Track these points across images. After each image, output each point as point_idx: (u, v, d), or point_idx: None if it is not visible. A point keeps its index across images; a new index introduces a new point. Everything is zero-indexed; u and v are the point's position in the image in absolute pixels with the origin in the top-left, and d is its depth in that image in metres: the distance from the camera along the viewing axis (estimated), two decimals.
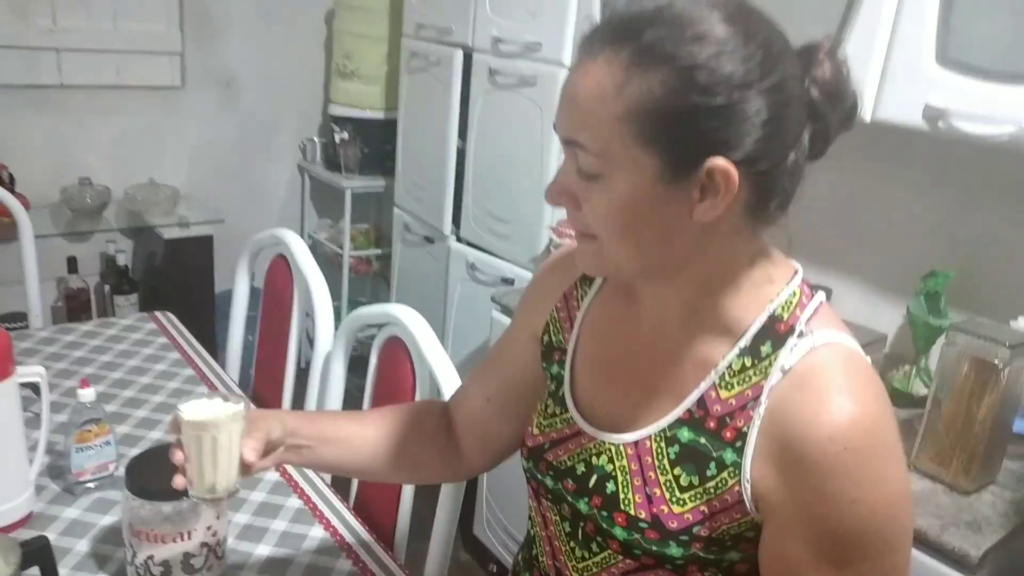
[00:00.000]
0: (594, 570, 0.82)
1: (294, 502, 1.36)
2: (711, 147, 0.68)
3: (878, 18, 1.45)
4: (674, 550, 0.75)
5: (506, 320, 2.19)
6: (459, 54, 2.55)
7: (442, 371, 1.26)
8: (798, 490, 0.70)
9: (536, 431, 0.90)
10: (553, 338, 0.94)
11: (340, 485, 1.45)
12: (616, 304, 0.89)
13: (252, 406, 1.00)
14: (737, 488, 0.73)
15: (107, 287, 3.08)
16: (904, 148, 1.69)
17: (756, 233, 0.76)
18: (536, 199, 2.33)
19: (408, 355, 1.37)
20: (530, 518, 0.95)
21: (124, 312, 2.98)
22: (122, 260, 3.03)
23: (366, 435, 1.04)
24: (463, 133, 2.61)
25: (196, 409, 0.90)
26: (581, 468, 0.84)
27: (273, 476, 1.42)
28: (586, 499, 0.82)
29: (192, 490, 0.92)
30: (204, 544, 1.10)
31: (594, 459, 0.83)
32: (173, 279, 3.05)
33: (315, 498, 1.37)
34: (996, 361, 1.34)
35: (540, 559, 0.90)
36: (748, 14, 0.71)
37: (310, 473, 1.44)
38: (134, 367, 1.76)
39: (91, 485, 1.33)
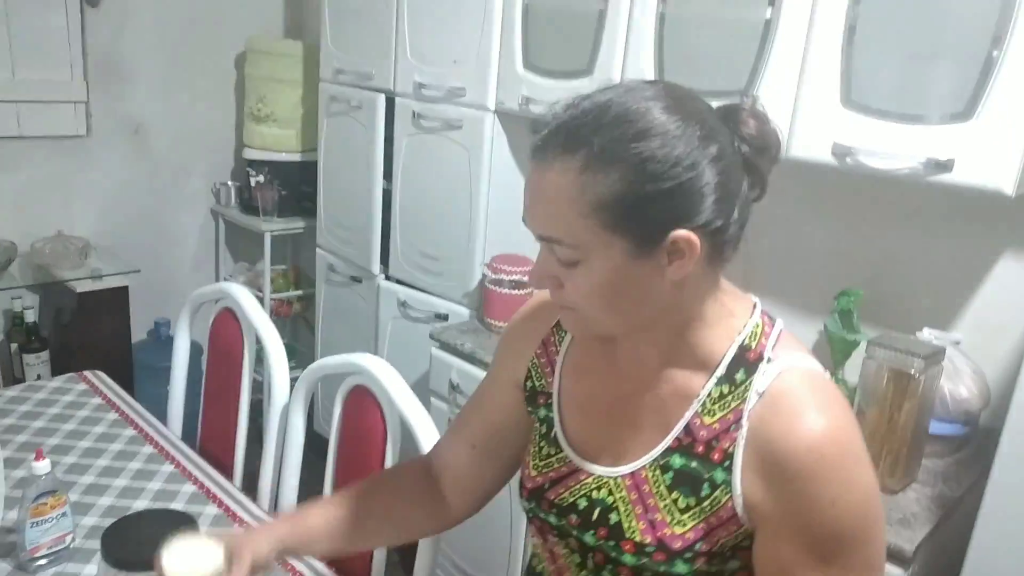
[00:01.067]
0: None
1: None
2: (672, 222, 0.76)
3: (786, 65, 1.59)
4: (680, 567, 0.82)
5: (446, 356, 2.23)
6: (381, 98, 2.58)
7: (416, 419, 1.29)
8: (783, 498, 0.78)
9: (534, 472, 0.95)
10: (536, 383, 0.99)
11: None
12: (595, 346, 0.95)
13: (237, 527, 1.01)
14: (730, 504, 0.81)
15: (14, 345, 2.93)
16: (812, 180, 1.84)
17: (717, 275, 0.84)
18: (467, 237, 2.39)
19: (376, 403, 1.39)
20: (535, 555, 1.00)
21: (34, 371, 2.85)
22: (30, 316, 2.89)
23: (356, 518, 1.06)
24: (388, 174, 2.65)
25: (179, 560, 0.94)
26: (583, 503, 0.89)
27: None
28: (592, 532, 0.88)
29: None
30: None
31: (594, 493, 0.89)
32: (86, 334, 2.94)
33: None
34: (912, 371, 1.47)
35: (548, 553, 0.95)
36: (682, 98, 0.78)
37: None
38: (72, 431, 1.70)
39: (45, 561, 1.29)
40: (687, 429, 0.84)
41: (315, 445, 1.68)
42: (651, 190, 0.74)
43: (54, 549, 1.29)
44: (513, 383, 1.02)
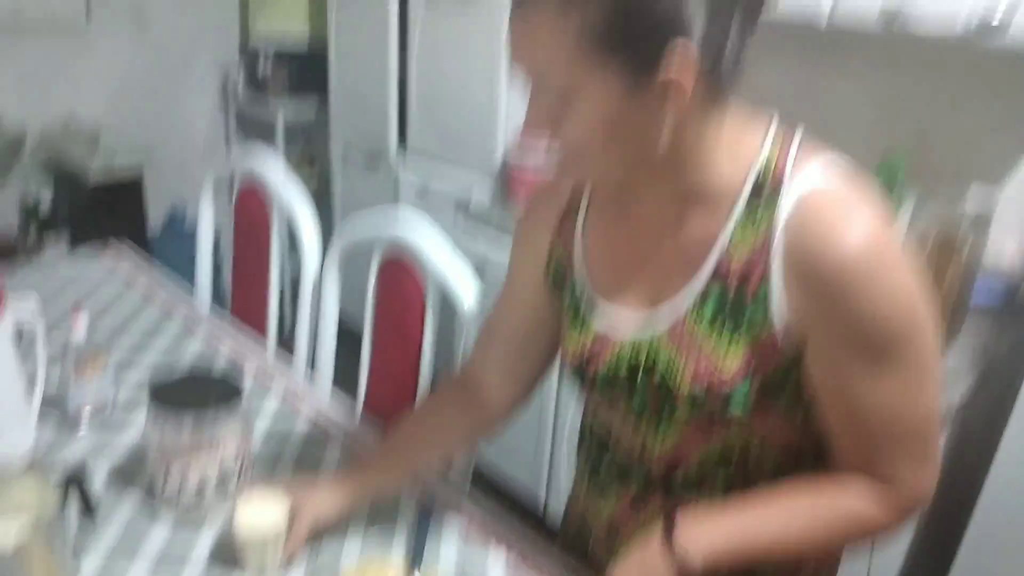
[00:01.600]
0: (669, 443, 0.88)
1: (302, 423, 1.36)
2: (663, 37, 0.70)
3: None
4: (735, 407, 0.81)
5: (469, 244, 2.19)
6: None
7: (455, 279, 1.26)
8: (827, 313, 0.76)
9: (571, 349, 0.94)
10: (558, 265, 0.97)
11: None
12: (609, 212, 0.92)
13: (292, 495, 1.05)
14: (773, 332, 0.79)
15: (31, 235, 2.91)
16: (854, 48, 1.76)
17: (720, 105, 0.79)
18: (488, 117, 2.32)
19: (414, 265, 1.37)
20: (591, 418, 1.00)
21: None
22: (45, 205, 2.86)
23: (411, 458, 1.10)
24: (402, 50, 2.55)
25: (251, 514, 1.00)
26: (625, 369, 0.88)
27: (275, 399, 1.41)
28: (640, 393, 0.87)
29: (248, 572, 1.02)
30: (237, 458, 1.10)
31: (635, 356, 0.88)
32: (102, 225, 2.91)
33: (321, 420, 1.37)
34: (957, 235, 1.44)
35: (615, 445, 0.95)
36: None
37: (314, 393, 1.44)
38: (102, 300, 1.69)
39: (90, 420, 1.29)
40: (716, 269, 0.82)
41: (345, 341, 1.66)
42: (636, 5, 0.69)
43: (98, 408, 1.30)
44: (534, 275, 1.00)
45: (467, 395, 1.10)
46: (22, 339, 1.24)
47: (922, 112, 1.78)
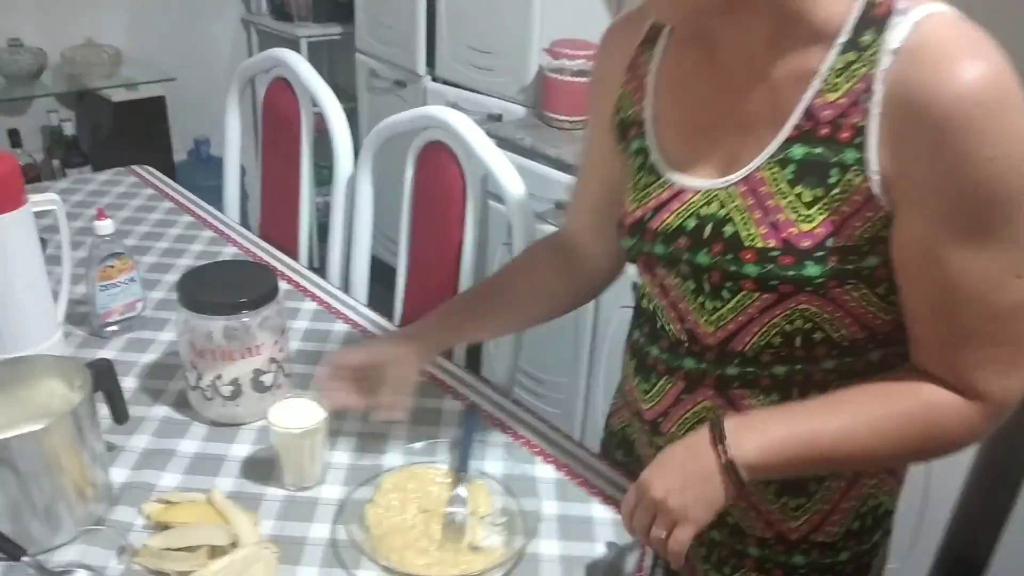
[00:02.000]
0: (729, 317, 0.79)
1: (340, 327, 1.30)
2: None
3: None
4: (811, 269, 0.72)
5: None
6: None
7: (501, 169, 1.18)
8: (931, 161, 0.66)
9: (633, 206, 0.85)
10: (626, 114, 0.88)
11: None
12: (689, 53, 0.83)
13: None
14: (865, 185, 0.70)
15: (56, 161, 2.87)
16: None
17: None
18: (522, 23, 2.21)
19: (453, 158, 1.29)
20: (644, 294, 0.92)
21: None
22: (69, 130, 2.81)
23: (499, 309, 1.03)
24: None
25: (288, 415, 0.94)
26: (692, 223, 0.80)
27: (311, 306, 1.35)
28: (705, 250, 0.78)
29: (288, 483, 0.96)
30: (273, 360, 1.05)
31: (703, 210, 0.79)
32: (126, 149, 2.85)
33: (361, 321, 1.32)
34: None
35: (667, 328, 0.87)
36: None
37: (352, 302, 1.38)
38: (128, 218, 1.64)
39: (118, 328, 1.24)
40: (807, 113, 0.72)
41: (379, 274, 1.58)
42: None
43: (126, 316, 1.25)
44: (606, 126, 0.91)
45: (562, 256, 1.03)
46: (45, 247, 1.19)
47: None
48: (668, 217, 0.82)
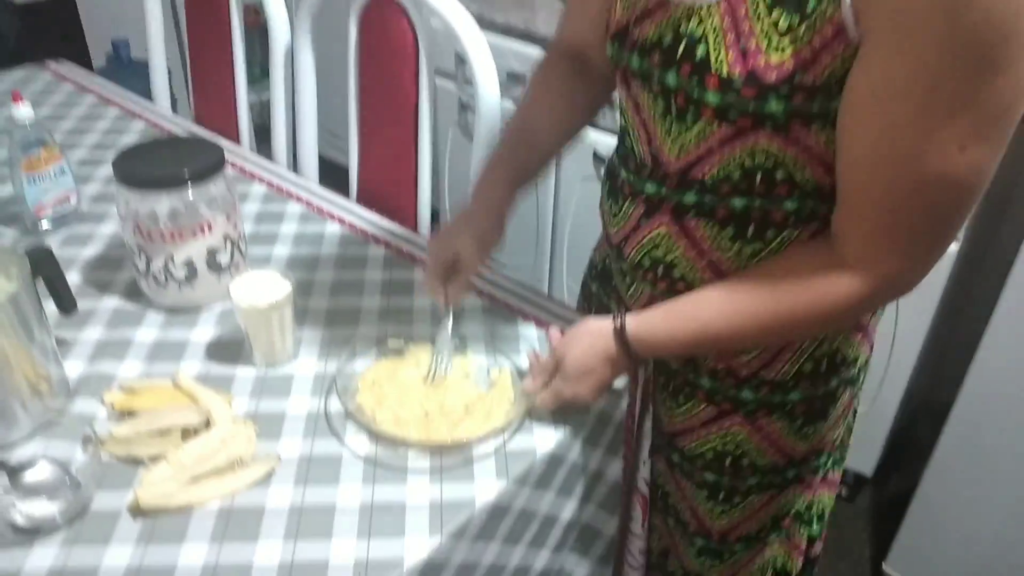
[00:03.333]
0: (691, 144, 0.75)
1: (294, 207, 1.23)
2: None
3: None
4: (773, 106, 0.68)
5: None
6: None
7: (457, 20, 1.09)
8: None
9: (619, 11, 0.80)
10: None
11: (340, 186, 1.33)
12: None
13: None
14: (837, 13, 0.63)
15: None
16: None
17: None
18: None
19: (402, 11, 1.19)
20: (621, 113, 0.87)
21: None
22: None
23: (546, 147, 0.97)
24: None
25: (251, 290, 0.88)
26: (668, 38, 0.74)
27: (261, 188, 1.27)
28: (674, 70, 0.73)
29: (259, 361, 0.91)
30: (227, 238, 0.98)
31: (682, 25, 0.73)
32: (36, 55, 2.64)
33: (315, 200, 1.24)
34: None
35: (635, 149, 0.83)
36: None
37: (303, 181, 1.30)
38: (49, 115, 1.51)
39: (52, 224, 1.15)
40: None
41: (328, 175, 1.48)
42: None
43: (60, 210, 1.15)
44: None
45: (573, 63, 0.97)
46: None
47: None
48: (649, 28, 0.76)
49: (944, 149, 0.61)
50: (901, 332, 1.57)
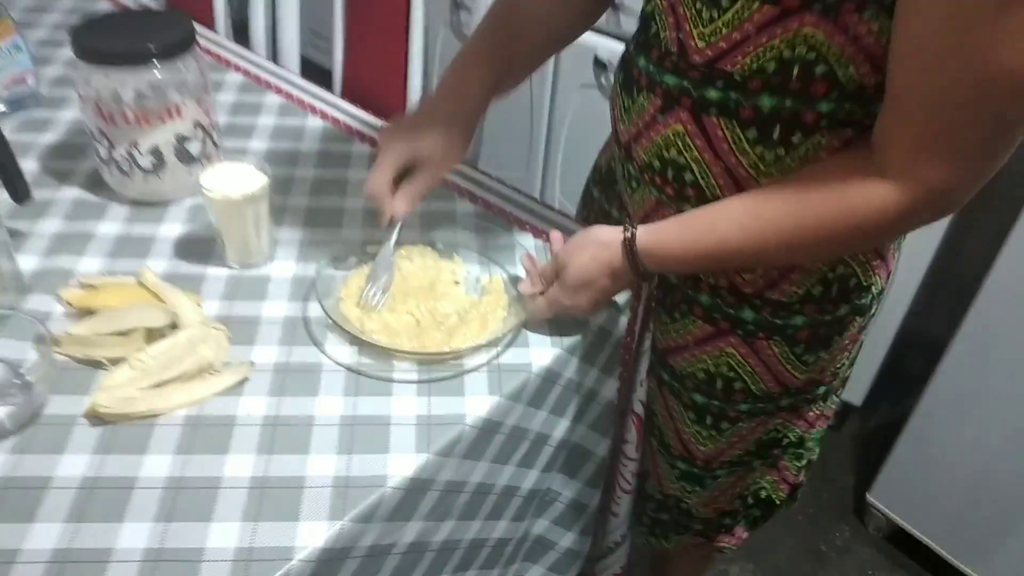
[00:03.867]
0: (723, 31, 0.66)
1: (272, 99, 1.13)
2: None
3: None
4: None
5: None
6: None
7: None
8: None
9: None
10: None
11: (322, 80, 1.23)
12: None
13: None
14: None
15: None
16: None
17: None
18: None
19: None
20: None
21: None
22: None
23: (509, 60, 0.85)
24: None
25: (224, 181, 0.79)
26: None
27: (236, 77, 1.17)
28: None
29: (232, 260, 0.84)
30: (198, 124, 0.89)
31: None
32: None
33: (296, 92, 1.15)
34: None
35: (660, 35, 0.73)
36: None
37: (283, 71, 1.20)
38: None
39: (7, 107, 1.05)
40: None
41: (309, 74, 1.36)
42: None
43: (16, 92, 1.05)
44: None
45: None
46: None
47: None
48: None
49: (1020, 43, 0.53)
50: (903, 260, 1.52)
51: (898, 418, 1.49)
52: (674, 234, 0.73)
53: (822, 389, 0.89)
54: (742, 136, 0.70)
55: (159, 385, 0.69)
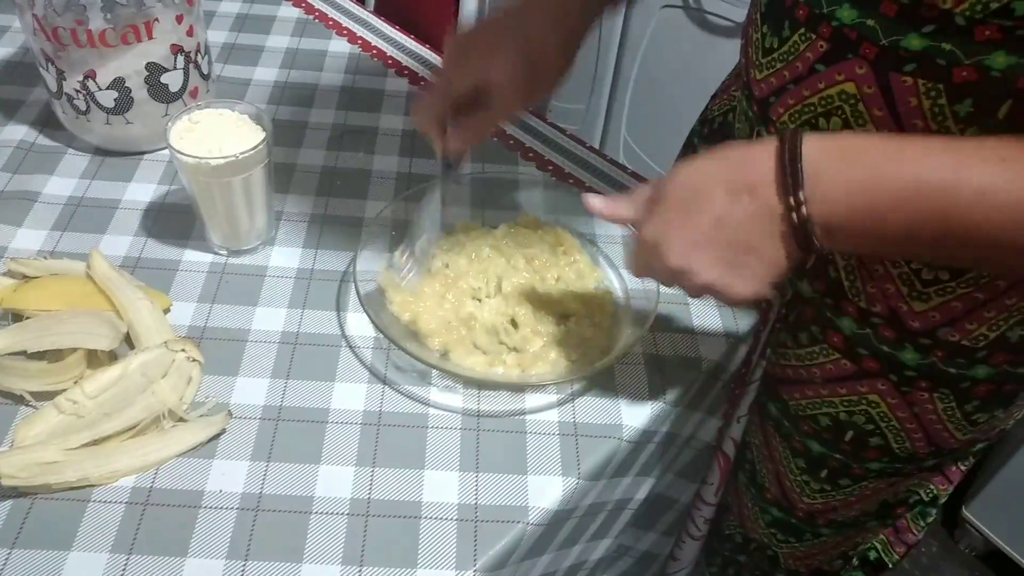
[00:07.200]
0: None
1: (287, 12, 0.89)
2: None
3: None
4: None
5: None
6: None
7: None
8: None
9: None
10: None
11: None
12: None
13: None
14: None
15: None
16: None
17: None
18: None
19: None
20: None
21: None
22: None
23: None
24: None
25: (205, 138, 0.57)
26: None
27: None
28: None
29: (216, 243, 0.62)
30: (179, 49, 0.66)
31: None
32: None
33: (316, 2, 0.90)
34: None
35: None
36: None
37: None
38: None
39: None
40: None
41: None
42: None
43: None
44: None
45: None
46: None
47: None
48: None
49: None
50: None
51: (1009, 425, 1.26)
52: (878, 151, 0.44)
53: (980, 446, 0.67)
54: (943, 104, 0.45)
55: (97, 442, 0.48)
